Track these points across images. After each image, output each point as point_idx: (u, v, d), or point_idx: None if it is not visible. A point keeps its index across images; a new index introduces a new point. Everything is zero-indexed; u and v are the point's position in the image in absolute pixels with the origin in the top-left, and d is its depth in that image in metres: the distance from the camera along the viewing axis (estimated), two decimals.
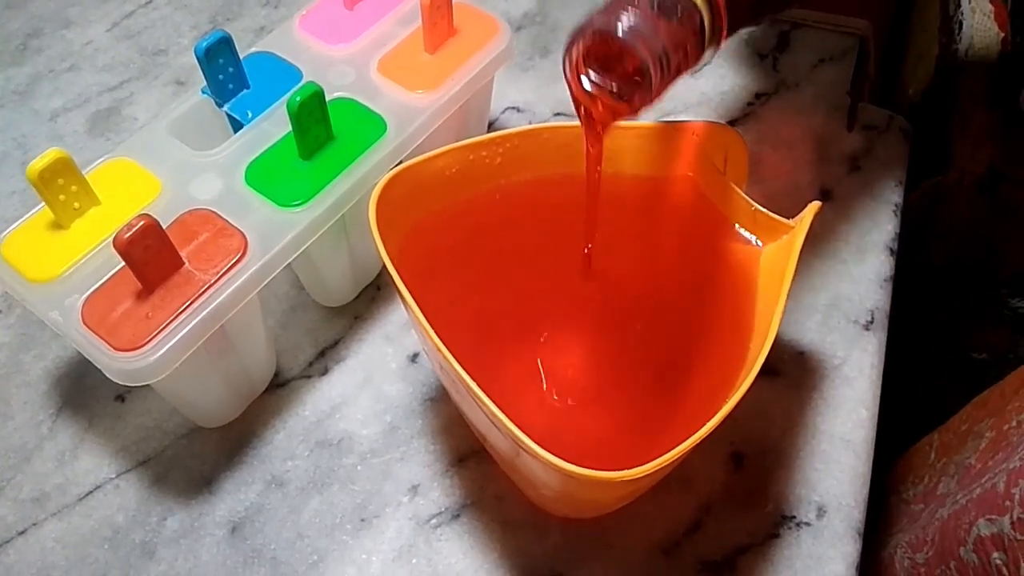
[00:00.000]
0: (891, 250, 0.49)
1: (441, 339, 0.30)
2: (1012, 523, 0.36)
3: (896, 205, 0.51)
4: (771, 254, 0.36)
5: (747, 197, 0.37)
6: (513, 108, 0.56)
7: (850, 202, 0.51)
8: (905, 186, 0.53)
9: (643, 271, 0.37)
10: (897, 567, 0.45)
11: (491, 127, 0.54)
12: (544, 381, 0.39)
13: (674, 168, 0.38)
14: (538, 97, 0.57)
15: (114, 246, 0.32)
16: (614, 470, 0.27)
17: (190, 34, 0.61)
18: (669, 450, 0.28)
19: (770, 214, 0.35)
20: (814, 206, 0.35)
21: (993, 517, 0.38)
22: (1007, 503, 0.37)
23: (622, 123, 0.37)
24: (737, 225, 0.37)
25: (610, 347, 0.41)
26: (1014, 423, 0.41)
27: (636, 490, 0.33)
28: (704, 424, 0.29)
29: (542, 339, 0.40)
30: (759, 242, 0.37)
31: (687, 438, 0.28)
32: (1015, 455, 0.39)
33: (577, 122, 0.34)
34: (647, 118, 0.57)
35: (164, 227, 0.34)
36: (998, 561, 0.37)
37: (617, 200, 0.38)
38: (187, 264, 0.35)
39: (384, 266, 0.32)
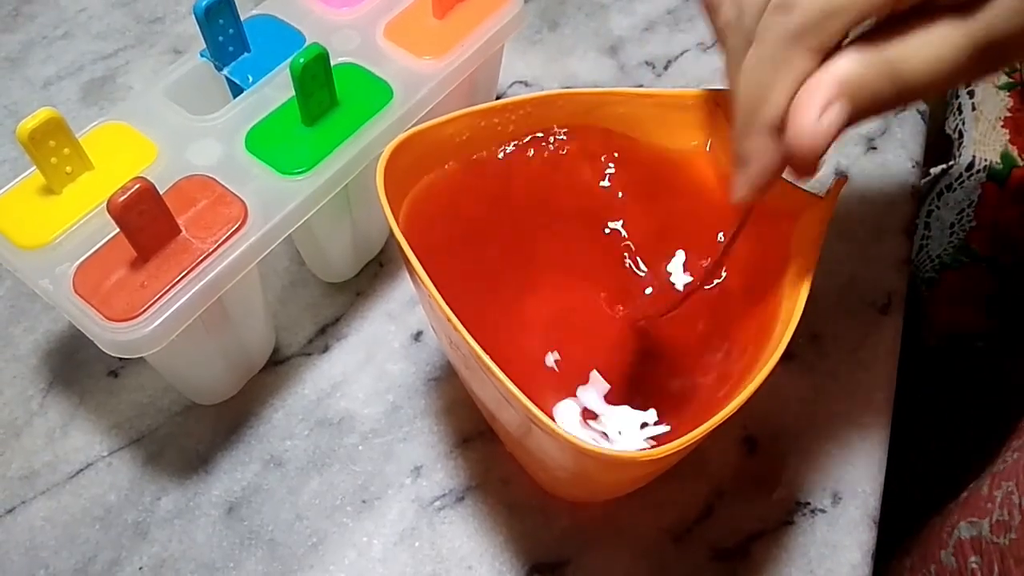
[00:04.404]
0: (908, 232, 0.48)
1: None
2: (991, 526, 0.35)
3: (913, 187, 0.50)
4: (797, 230, 0.34)
5: None
6: (521, 82, 0.55)
7: (866, 183, 0.50)
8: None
9: (664, 246, 0.36)
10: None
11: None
12: (559, 356, 0.38)
13: (695, 138, 0.36)
14: (546, 72, 0.55)
15: (108, 210, 0.31)
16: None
17: (187, 2, 0.59)
18: (687, 432, 0.27)
19: (797, 186, 0.34)
20: (841, 181, 0.33)
21: (974, 520, 0.37)
22: (988, 505, 0.36)
23: (641, 90, 0.35)
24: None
25: (629, 323, 0.40)
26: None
27: (653, 472, 0.32)
28: (724, 406, 0.27)
29: (557, 315, 0.39)
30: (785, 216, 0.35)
31: (706, 420, 0.27)
32: (1000, 458, 0.39)
33: (587, 89, 0.32)
34: (667, 86, 0.55)
35: (160, 193, 0.32)
36: (974, 565, 0.36)
37: (637, 171, 0.37)
38: (184, 232, 0.34)
39: (392, 234, 0.30)
